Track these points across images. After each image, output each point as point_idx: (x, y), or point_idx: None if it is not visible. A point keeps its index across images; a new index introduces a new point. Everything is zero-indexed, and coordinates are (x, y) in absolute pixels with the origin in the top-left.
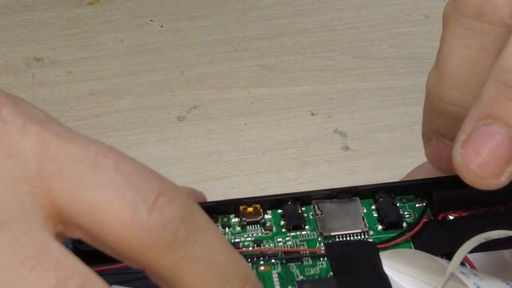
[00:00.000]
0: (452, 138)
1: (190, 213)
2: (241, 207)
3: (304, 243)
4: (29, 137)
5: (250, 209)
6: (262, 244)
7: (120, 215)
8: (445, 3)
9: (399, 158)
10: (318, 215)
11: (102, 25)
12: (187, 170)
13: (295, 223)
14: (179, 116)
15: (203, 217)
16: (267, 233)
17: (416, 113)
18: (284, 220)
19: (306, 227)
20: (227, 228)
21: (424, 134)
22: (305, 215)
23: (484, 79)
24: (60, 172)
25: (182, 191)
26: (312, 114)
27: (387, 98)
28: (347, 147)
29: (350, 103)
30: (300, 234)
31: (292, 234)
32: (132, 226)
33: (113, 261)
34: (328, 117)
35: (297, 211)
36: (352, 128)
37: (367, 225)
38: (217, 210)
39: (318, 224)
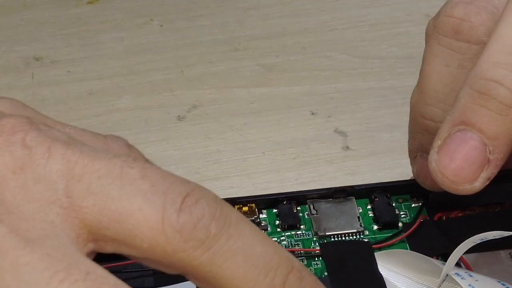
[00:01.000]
0: None
1: (220, 209)
2: (236, 207)
3: (299, 243)
4: (54, 159)
5: (245, 208)
6: None
7: (150, 220)
8: (444, 3)
9: (400, 158)
10: (313, 214)
11: (102, 24)
12: (187, 170)
13: (290, 223)
14: (179, 115)
15: (234, 212)
16: None
17: None
18: (279, 220)
19: (301, 226)
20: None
21: (410, 152)
22: (301, 214)
23: None
24: (87, 189)
25: (209, 191)
26: (313, 113)
27: (387, 97)
28: (347, 147)
29: (350, 102)
30: (295, 234)
31: (287, 233)
32: (163, 229)
33: (114, 259)
34: (329, 116)
35: (293, 210)
36: (352, 128)
37: (362, 225)
38: None
39: (313, 223)
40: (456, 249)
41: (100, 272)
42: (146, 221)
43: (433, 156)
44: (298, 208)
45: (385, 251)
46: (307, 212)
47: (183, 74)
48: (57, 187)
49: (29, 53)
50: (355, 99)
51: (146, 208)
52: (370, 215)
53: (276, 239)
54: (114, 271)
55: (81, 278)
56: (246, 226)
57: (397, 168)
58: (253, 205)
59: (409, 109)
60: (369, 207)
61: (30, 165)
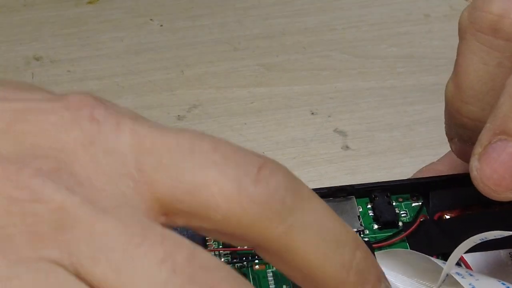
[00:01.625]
0: (473, 142)
1: (294, 182)
2: None
3: None
4: (123, 133)
5: None
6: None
7: (225, 191)
8: (445, 3)
9: (400, 158)
10: None
11: (102, 24)
12: None
13: None
14: (179, 115)
15: (306, 187)
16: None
17: (417, 112)
18: None
19: None
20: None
21: (447, 134)
22: None
23: None
24: (159, 162)
25: (281, 164)
26: (312, 113)
27: (387, 97)
28: (347, 147)
29: (350, 102)
30: None
31: None
32: (240, 200)
33: None
34: (328, 116)
35: None
36: (352, 128)
37: (363, 224)
38: None
39: None
40: (457, 248)
41: (175, 235)
42: (221, 193)
43: (474, 163)
44: None
45: (385, 250)
46: None
47: (183, 74)
48: (128, 160)
49: (29, 53)
50: (355, 99)
51: (221, 179)
52: (370, 214)
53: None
54: None
55: (158, 241)
56: (317, 201)
57: (397, 168)
58: None
59: (408, 109)
60: (369, 206)
61: (100, 139)
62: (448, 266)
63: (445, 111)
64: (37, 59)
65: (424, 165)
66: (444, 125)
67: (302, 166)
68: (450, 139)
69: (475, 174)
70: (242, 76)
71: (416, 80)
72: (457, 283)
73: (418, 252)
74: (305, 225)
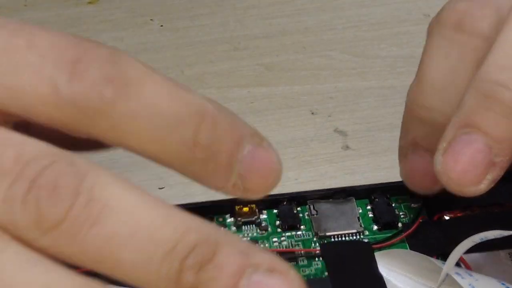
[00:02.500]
0: (428, 148)
1: (116, 69)
2: (237, 207)
3: (300, 243)
4: None
5: (245, 209)
6: (258, 244)
7: (42, 95)
8: (445, 2)
9: None
10: (313, 215)
11: (102, 24)
12: None
13: (291, 223)
14: None
15: (135, 67)
16: (262, 233)
17: None
18: (279, 220)
19: (302, 227)
20: (222, 228)
21: (400, 150)
22: (301, 215)
23: (462, 88)
24: None
25: (104, 47)
26: (312, 113)
27: (387, 97)
28: (347, 147)
29: (350, 102)
30: (296, 234)
31: (287, 234)
32: (57, 103)
33: None
34: (328, 116)
35: (293, 211)
36: (352, 128)
37: (362, 225)
38: (212, 210)
39: (313, 224)
40: (456, 248)
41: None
42: (38, 97)
43: (438, 158)
44: (298, 208)
45: (385, 251)
46: (307, 213)
47: (183, 73)
48: None
49: None
50: (355, 99)
51: (37, 82)
52: (370, 215)
53: (276, 239)
54: None
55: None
56: (148, 80)
57: (397, 168)
58: (254, 205)
59: None
60: (369, 207)
61: None
62: (448, 266)
63: (404, 116)
64: None
65: None
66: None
67: (302, 166)
68: (403, 157)
69: (438, 168)
70: (242, 76)
71: None
72: (456, 283)
73: (418, 253)
74: (133, 115)
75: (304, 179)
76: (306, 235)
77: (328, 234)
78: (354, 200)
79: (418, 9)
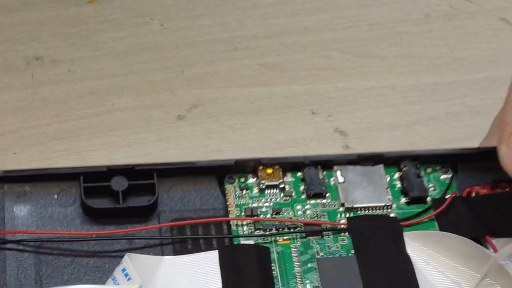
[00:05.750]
0: None
1: None
2: (260, 167)
3: (325, 213)
4: None
5: (269, 170)
6: (281, 212)
7: None
8: (445, 2)
9: None
10: (340, 182)
11: (102, 24)
12: None
13: (317, 191)
14: (179, 115)
15: None
16: (286, 200)
17: (417, 112)
18: (304, 185)
19: (327, 194)
20: (244, 190)
21: (507, 126)
22: (327, 181)
23: None
24: None
25: None
26: (313, 113)
27: (387, 97)
28: (347, 146)
29: (350, 102)
30: (321, 203)
31: (312, 202)
32: None
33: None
34: (329, 116)
35: (318, 176)
36: (352, 127)
37: (391, 198)
38: (235, 169)
39: (340, 193)
40: None
41: None
42: None
43: (502, 149)
44: (324, 173)
45: (415, 232)
46: (333, 178)
47: (183, 73)
48: None
49: (29, 53)
50: (355, 99)
51: None
52: (398, 185)
53: (300, 207)
54: (120, 238)
55: None
56: None
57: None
58: (278, 166)
59: (409, 109)
60: (397, 176)
61: None
62: (502, 254)
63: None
64: (37, 58)
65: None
66: (445, 125)
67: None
68: (508, 136)
69: (503, 157)
70: (242, 75)
71: (416, 80)
72: (505, 271)
73: (454, 235)
74: None
75: None
76: (332, 204)
77: (355, 206)
78: (383, 167)
79: (418, 9)
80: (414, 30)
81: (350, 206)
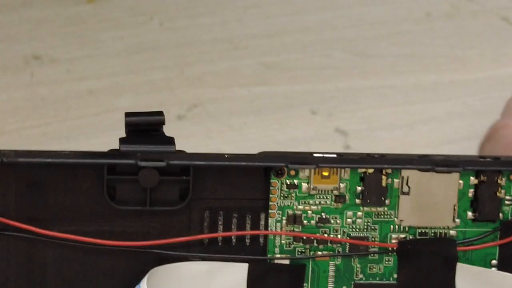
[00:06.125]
0: None
1: None
2: (316, 170)
3: (377, 225)
4: None
5: (325, 173)
6: (328, 221)
7: None
8: (446, 1)
9: None
10: (404, 193)
11: (101, 23)
12: None
13: (374, 200)
14: (179, 115)
15: None
16: (337, 206)
17: (418, 111)
18: (362, 188)
19: (387, 201)
20: (292, 189)
21: None
22: (389, 189)
23: None
24: None
25: None
26: (313, 112)
27: (388, 96)
28: (348, 146)
29: (351, 101)
30: (376, 212)
31: (366, 209)
32: None
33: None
34: (329, 115)
35: (381, 183)
36: (353, 127)
37: (457, 210)
38: (289, 159)
39: (400, 204)
40: None
41: None
42: None
43: None
44: (388, 180)
45: (471, 267)
46: (398, 181)
47: (183, 73)
48: None
49: (28, 52)
50: (356, 98)
51: None
52: (469, 195)
53: (352, 214)
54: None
55: None
56: None
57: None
58: (336, 169)
59: (409, 108)
60: (472, 183)
61: None
62: None
63: None
64: (36, 58)
65: None
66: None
67: None
68: None
69: None
70: (242, 75)
71: (417, 79)
72: None
73: None
74: None
75: None
76: (388, 215)
77: (413, 225)
78: (458, 176)
79: (419, 8)
80: (415, 30)
81: (407, 225)
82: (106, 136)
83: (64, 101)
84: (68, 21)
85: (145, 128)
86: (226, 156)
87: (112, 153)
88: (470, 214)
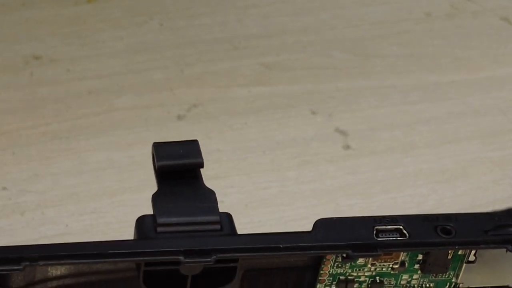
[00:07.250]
0: None
1: None
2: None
3: (432, 284)
4: None
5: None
6: (382, 283)
7: None
8: (446, 1)
9: (400, 157)
10: (469, 262)
11: (101, 23)
12: None
13: (436, 269)
14: (179, 115)
15: None
16: (395, 272)
17: (418, 111)
18: (424, 259)
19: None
20: (347, 262)
21: None
22: (453, 262)
23: None
24: None
25: None
26: (313, 112)
27: (388, 96)
28: (348, 146)
29: (351, 101)
30: (434, 277)
31: (425, 274)
32: None
33: None
34: (329, 115)
35: (446, 256)
36: (353, 127)
37: None
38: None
39: (462, 272)
40: None
41: None
42: None
43: None
44: (453, 253)
45: None
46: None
47: (183, 73)
48: None
49: (28, 52)
50: (356, 98)
51: None
52: None
53: (408, 277)
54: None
55: None
56: None
57: (398, 168)
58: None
59: (409, 108)
60: None
61: None
62: None
63: None
64: (36, 58)
65: (426, 165)
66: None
67: (303, 165)
68: None
69: None
70: (242, 75)
71: (417, 79)
72: None
73: None
74: None
75: (304, 179)
76: (445, 274)
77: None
78: None
79: (419, 8)
80: (415, 30)
81: (465, 287)
82: (106, 136)
83: (64, 101)
84: (68, 21)
85: (179, 175)
86: (281, 246)
87: (149, 246)
88: None
